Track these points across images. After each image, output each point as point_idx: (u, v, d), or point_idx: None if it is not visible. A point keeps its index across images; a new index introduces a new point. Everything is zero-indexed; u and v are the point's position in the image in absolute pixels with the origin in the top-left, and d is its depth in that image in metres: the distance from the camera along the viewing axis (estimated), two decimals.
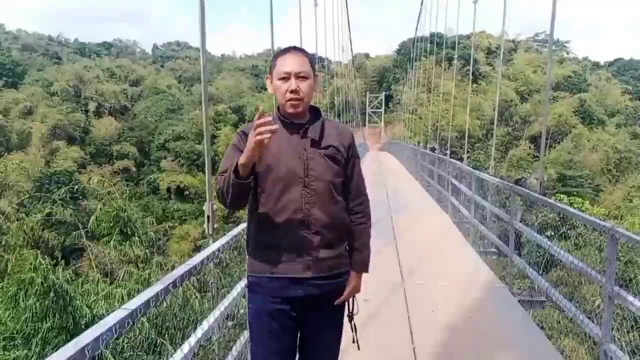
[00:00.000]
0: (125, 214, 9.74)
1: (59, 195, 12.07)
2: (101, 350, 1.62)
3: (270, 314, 2.24)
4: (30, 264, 6.49)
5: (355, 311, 2.45)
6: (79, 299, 6.40)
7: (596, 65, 70.42)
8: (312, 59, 2.30)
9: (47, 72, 59.49)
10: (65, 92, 51.78)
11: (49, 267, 6.31)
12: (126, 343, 5.82)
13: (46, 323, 5.83)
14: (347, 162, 2.32)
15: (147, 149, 48.71)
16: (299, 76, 2.19)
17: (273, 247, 2.22)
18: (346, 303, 2.41)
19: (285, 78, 2.20)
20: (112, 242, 9.45)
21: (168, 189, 41.43)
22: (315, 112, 2.32)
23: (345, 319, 2.44)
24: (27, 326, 5.90)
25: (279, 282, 2.21)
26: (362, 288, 2.43)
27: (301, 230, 2.18)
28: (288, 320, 2.26)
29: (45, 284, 5.99)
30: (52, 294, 5.99)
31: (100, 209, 10.10)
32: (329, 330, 2.38)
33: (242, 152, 2.12)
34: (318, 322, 2.32)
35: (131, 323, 1.85)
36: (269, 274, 2.22)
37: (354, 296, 2.43)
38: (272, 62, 2.31)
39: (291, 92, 2.19)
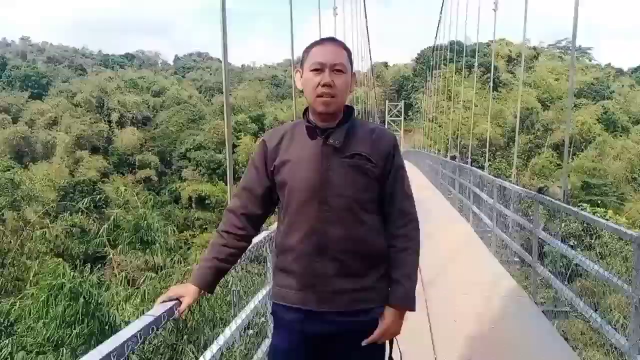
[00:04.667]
0: (145, 222, 9.86)
1: (84, 204, 12.38)
2: (127, 356, 1.63)
3: (286, 349, 1.97)
4: (56, 271, 6.61)
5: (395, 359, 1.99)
6: (106, 305, 6.50)
7: (619, 72, 69.35)
8: (350, 54, 1.96)
9: (71, 83, 60.75)
10: (88, 103, 52.73)
11: (75, 273, 6.43)
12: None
13: (75, 329, 5.92)
14: (384, 174, 1.92)
15: (168, 159, 49.25)
16: (334, 69, 1.86)
17: (288, 272, 1.93)
18: (386, 346, 1.97)
19: (319, 70, 1.86)
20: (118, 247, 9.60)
21: (189, 198, 41.76)
22: (347, 114, 1.96)
23: None
24: (56, 333, 6.00)
25: (293, 314, 1.92)
26: None
27: (315, 255, 1.86)
28: (305, 358, 1.96)
29: (73, 291, 6.09)
30: (81, 299, 6.08)
31: (115, 218, 10.27)
32: None
33: (258, 169, 1.99)
34: None
35: (156, 329, 1.86)
36: (283, 303, 1.95)
37: (395, 339, 1.98)
38: (303, 54, 1.95)
39: (324, 85, 1.84)
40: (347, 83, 1.90)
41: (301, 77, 1.94)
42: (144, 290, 7.59)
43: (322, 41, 1.94)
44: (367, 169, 1.89)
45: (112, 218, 10.62)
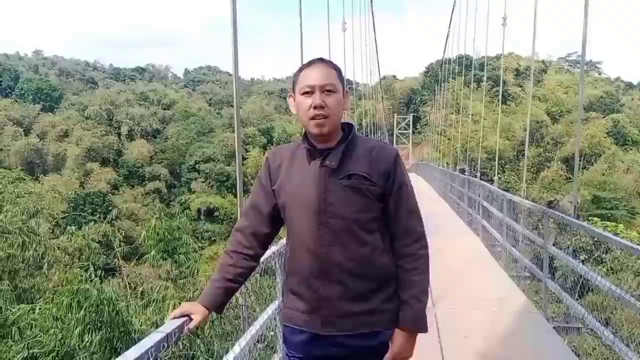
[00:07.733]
0: (168, 235, 9.99)
1: (106, 221, 12.67)
2: None
3: None
4: (80, 277, 6.71)
5: None
6: (123, 313, 6.55)
7: (629, 86, 69.06)
8: (340, 72, 1.96)
9: (82, 96, 61.36)
10: (98, 115, 53.20)
11: (99, 281, 6.54)
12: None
13: (93, 336, 5.98)
14: (386, 192, 1.89)
15: (178, 171, 49.49)
16: (324, 90, 1.86)
17: (295, 294, 1.94)
18: None
19: (309, 92, 1.87)
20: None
21: (198, 210, 41.87)
22: (346, 132, 1.95)
23: None
24: (73, 338, 6.05)
25: (299, 336, 1.94)
26: None
27: (319, 279, 1.86)
28: None
29: (99, 297, 6.17)
30: (105, 307, 6.15)
31: (150, 228, 10.43)
32: None
33: (264, 188, 2.00)
34: None
35: (167, 346, 1.86)
36: (291, 324, 1.97)
37: None
38: (294, 78, 1.97)
39: (315, 107, 1.84)
40: (339, 102, 1.89)
41: (294, 101, 1.95)
42: (160, 299, 7.69)
43: (310, 63, 1.93)
44: (366, 188, 1.86)
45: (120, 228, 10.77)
